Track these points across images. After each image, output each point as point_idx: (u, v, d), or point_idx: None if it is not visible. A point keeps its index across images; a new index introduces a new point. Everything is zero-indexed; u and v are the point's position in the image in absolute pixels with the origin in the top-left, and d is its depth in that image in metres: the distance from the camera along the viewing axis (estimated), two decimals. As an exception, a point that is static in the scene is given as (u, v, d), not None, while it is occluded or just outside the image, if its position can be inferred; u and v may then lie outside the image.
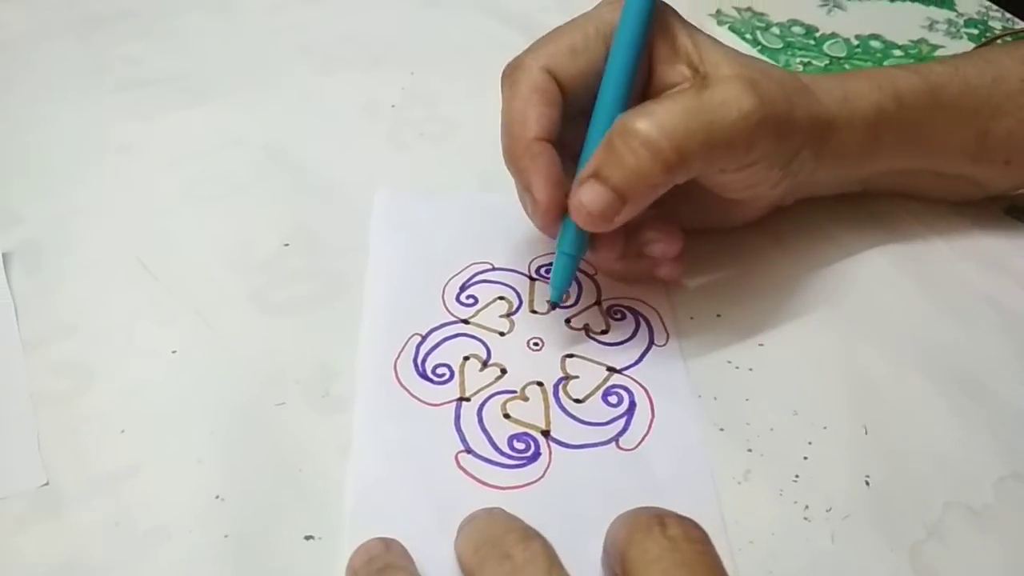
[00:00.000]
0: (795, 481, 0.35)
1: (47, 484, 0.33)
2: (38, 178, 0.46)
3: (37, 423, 0.35)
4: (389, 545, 0.30)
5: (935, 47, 0.60)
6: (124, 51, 0.55)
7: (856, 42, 0.60)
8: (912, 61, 0.58)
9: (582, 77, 0.37)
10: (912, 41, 0.60)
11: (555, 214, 0.37)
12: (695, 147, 0.35)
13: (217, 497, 0.33)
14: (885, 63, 0.58)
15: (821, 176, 0.41)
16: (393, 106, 0.52)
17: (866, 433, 0.36)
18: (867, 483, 0.35)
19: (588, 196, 0.35)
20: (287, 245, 0.43)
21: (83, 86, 0.52)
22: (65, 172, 0.46)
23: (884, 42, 0.60)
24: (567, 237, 0.37)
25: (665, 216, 0.39)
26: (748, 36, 0.59)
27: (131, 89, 0.52)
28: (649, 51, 0.37)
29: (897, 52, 0.59)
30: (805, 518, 0.34)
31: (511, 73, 0.38)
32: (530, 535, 0.28)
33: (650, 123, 0.34)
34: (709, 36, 0.38)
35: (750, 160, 0.37)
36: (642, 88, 0.38)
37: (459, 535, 0.30)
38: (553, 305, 0.39)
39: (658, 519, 0.27)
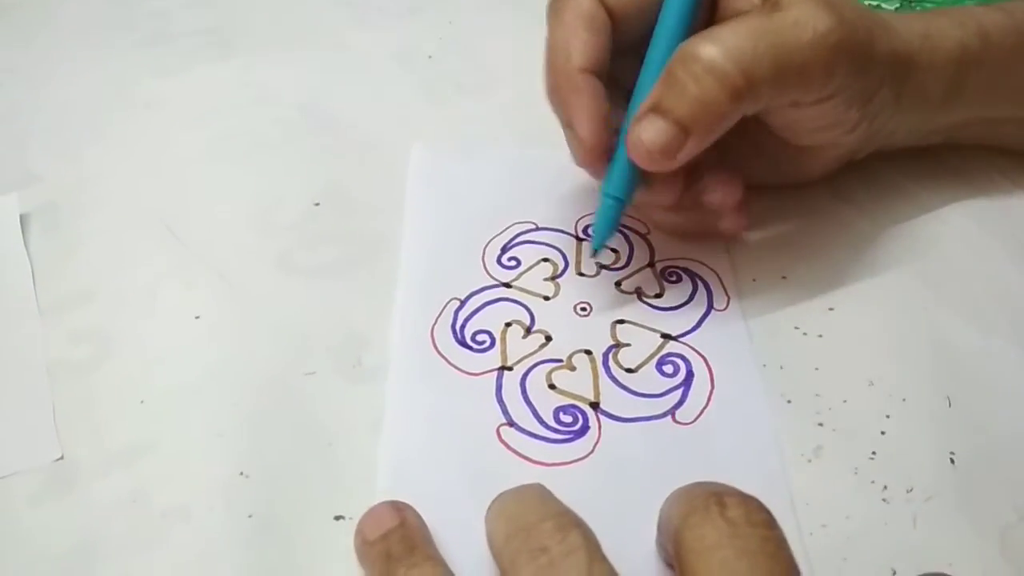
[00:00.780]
0: (872, 459, 0.32)
1: (62, 458, 0.32)
2: (58, 136, 0.44)
3: (52, 393, 0.33)
4: (404, 516, 0.28)
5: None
6: (150, 4, 0.53)
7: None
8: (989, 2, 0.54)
9: (634, 5, 0.35)
10: None
11: (600, 153, 0.34)
12: (765, 71, 0.31)
13: (241, 474, 0.31)
14: (965, 2, 0.54)
15: (900, 123, 0.38)
16: (430, 57, 0.49)
17: (950, 406, 0.33)
18: (952, 461, 0.32)
19: (648, 131, 0.32)
20: (317, 205, 0.41)
21: (107, 39, 0.50)
22: (86, 130, 0.45)
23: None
24: (614, 179, 0.34)
25: (728, 168, 0.36)
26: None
27: (156, 43, 0.50)
28: None
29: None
30: (884, 499, 0.31)
31: (557, 1, 0.35)
32: (567, 523, 0.25)
33: (714, 47, 0.31)
34: None
35: (826, 92, 0.33)
36: (706, 18, 0.35)
37: (488, 517, 0.27)
38: (599, 266, 0.36)
39: (716, 498, 0.24)
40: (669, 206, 0.36)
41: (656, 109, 0.32)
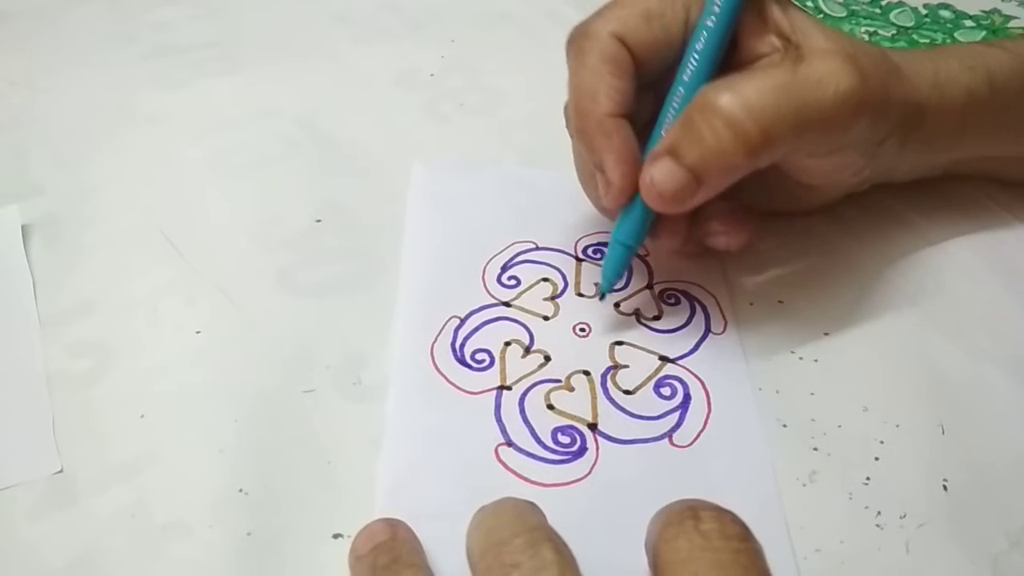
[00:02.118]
0: (866, 484, 0.32)
1: (61, 471, 0.32)
2: (60, 148, 0.44)
3: (52, 406, 0.33)
4: (395, 531, 0.28)
5: (1008, 18, 0.56)
6: (153, 17, 0.53)
7: (924, 11, 0.56)
8: (985, 32, 0.55)
9: (656, 45, 0.34)
10: (984, 11, 0.56)
11: (627, 196, 0.34)
12: (784, 129, 0.31)
13: (240, 490, 0.31)
14: (956, 34, 0.54)
15: (903, 164, 0.38)
16: (432, 75, 0.49)
17: (943, 433, 0.34)
18: (944, 488, 0.32)
19: (661, 175, 0.32)
20: (319, 221, 0.41)
21: (109, 52, 0.50)
22: (88, 142, 0.44)
23: (954, 11, 0.56)
24: (626, 226, 0.35)
25: (727, 196, 0.36)
26: (809, 3, 0.56)
27: (159, 56, 0.50)
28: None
29: (968, 23, 0.55)
30: (877, 525, 0.31)
31: (578, 40, 0.35)
32: (539, 539, 0.25)
33: (735, 99, 0.31)
34: (797, 5, 0.35)
35: (841, 145, 0.34)
36: (725, 61, 0.35)
37: (468, 531, 0.28)
38: (602, 295, 0.36)
39: (692, 512, 0.25)
40: (674, 251, 0.37)
41: (671, 153, 0.32)
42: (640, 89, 0.35)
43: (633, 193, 0.34)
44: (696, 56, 0.34)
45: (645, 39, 0.34)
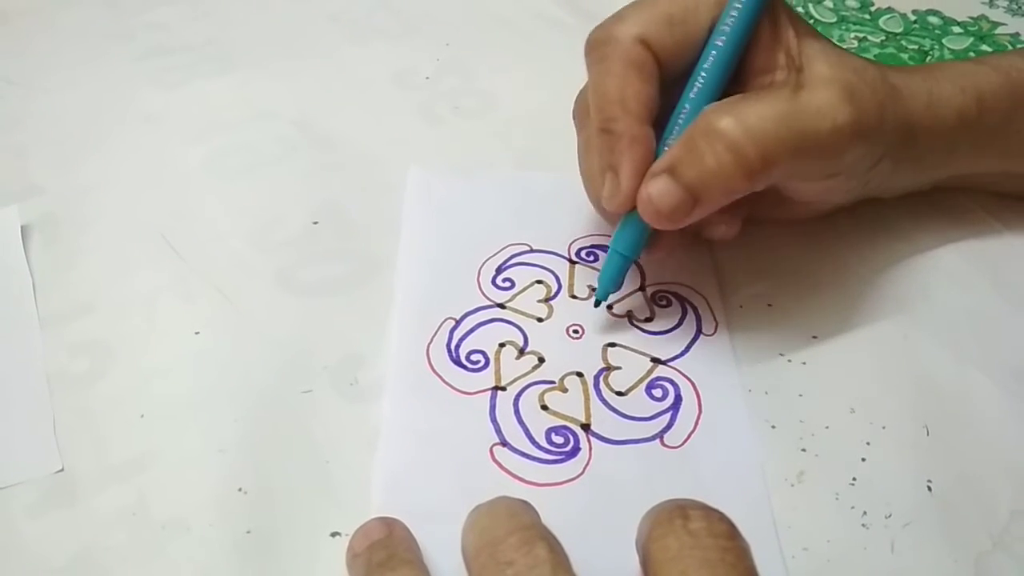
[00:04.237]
0: (852, 484, 0.33)
1: (62, 470, 0.32)
2: (58, 148, 0.44)
3: (52, 406, 0.34)
4: (391, 529, 0.29)
5: (996, 24, 0.57)
6: (150, 17, 0.53)
7: (913, 17, 0.57)
8: (972, 39, 0.55)
9: (678, 50, 0.34)
10: (972, 18, 0.57)
11: (632, 204, 0.34)
12: (783, 155, 0.32)
13: (239, 489, 0.31)
14: (944, 40, 0.55)
15: (894, 183, 0.39)
16: (427, 78, 0.50)
17: (928, 434, 0.34)
18: (929, 488, 0.33)
19: (660, 192, 0.33)
20: (316, 223, 0.41)
21: (106, 53, 0.50)
22: (86, 142, 0.45)
23: (943, 18, 0.57)
24: (626, 237, 0.35)
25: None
26: (800, 9, 0.57)
27: (156, 57, 0.50)
28: None
29: (956, 29, 0.56)
30: (863, 524, 0.32)
31: (600, 46, 0.35)
32: (532, 537, 0.26)
33: (737, 125, 0.32)
34: (807, 23, 0.36)
35: (836, 170, 0.35)
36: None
37: (463, 530, 0.28)
38: (598, 302, 0.37)
39: (680, 511, 0.25)
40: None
41: (671, 171, 0.33)
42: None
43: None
44: (704, 74, 0.34)
45: (667, 44, 0.34)
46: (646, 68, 0.34)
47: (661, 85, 0.35)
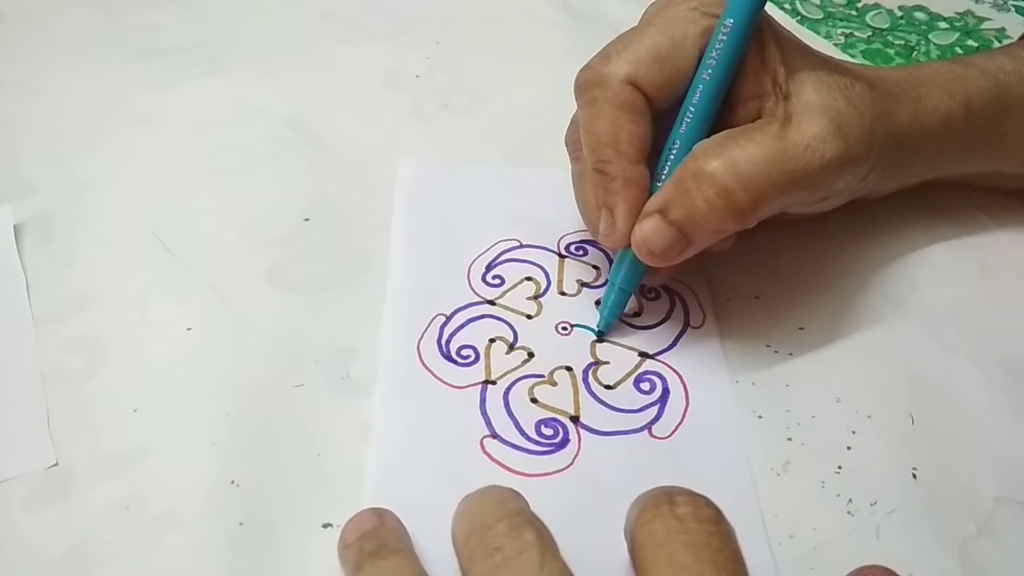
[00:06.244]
0: (838, 473, 0.33)
1: (56, 465, 0.32)
2: (52, 148, 0.45)
3: (47, 401, 0.34)
4: (382, 519, 0.29)
5: (981, 19, 0.57)
6: (142, 19, 0.53)
7: (899, 13, 0.57)
8: (958, 34, 0.56)
9: (668, 86, 0.34)
10: (958, 13, 0.58)
11: (628, 242, 0.35)
12: (772, 196, 0.33)
13: (232, 482, 0.32)
14: (930, 36, 0.56)
15: (881, 186, 0.40)
16: (417, 76, 0.50)
17: (913, 423, 0.35)
18: (914, 476, 0.33)
19: (652, 232, 0.33)
20: (307, 220, 0.41)
21: (99, 54, 0.51)
22: (80, 142, 0.45)
23: (929, 14, 0.57)
24: (623, 271, 0.36)
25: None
26: (787, 5, 0.57)
27: (148, 58, 0.50)
28: None
29: (942, 24, 0.57)
30: (848, 512, 0.32)
31: (590, 88, 0.35)
32: (521, 523, 0.26)
33: (726, 169, 0.32)
34: (795, 40, 0.35)
35: (824, 197, 0.35)
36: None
37: (453, 517, 0.29)
38: (599, 334, 0.37)
39: (667, 497, 0.26)
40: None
41: (663, 212, 0.33)
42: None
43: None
44: (692, 109, 0.34)
45: (657, 83, 0.34)
46: (637, 109, 0.34)
47: (653, 118, 0.35)
